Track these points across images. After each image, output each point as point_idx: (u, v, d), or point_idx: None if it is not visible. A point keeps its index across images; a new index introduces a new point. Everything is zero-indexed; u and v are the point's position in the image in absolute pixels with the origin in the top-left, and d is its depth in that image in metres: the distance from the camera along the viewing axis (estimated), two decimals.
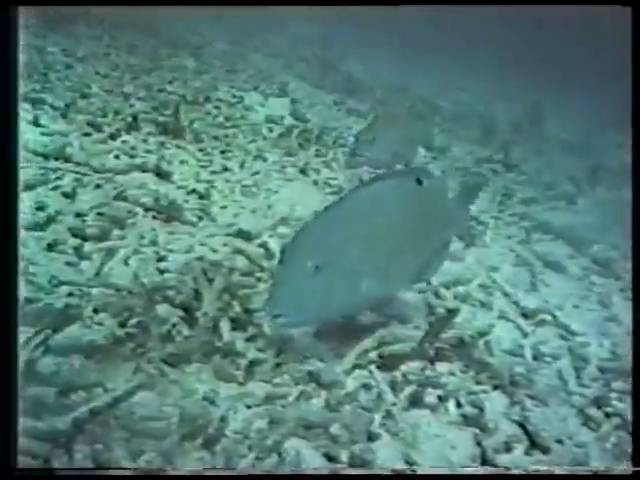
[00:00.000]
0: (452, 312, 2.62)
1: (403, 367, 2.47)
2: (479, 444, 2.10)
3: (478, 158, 6.43)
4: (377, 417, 2.15)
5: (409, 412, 2.22)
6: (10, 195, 1.81)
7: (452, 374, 2.49)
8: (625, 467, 1.95)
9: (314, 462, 1.90)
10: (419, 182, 2.75)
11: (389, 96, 8.62)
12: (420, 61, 11.64)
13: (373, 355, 2.56)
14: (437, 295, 3.16)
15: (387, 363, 2.51)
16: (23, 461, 1.48)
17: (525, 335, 3.01)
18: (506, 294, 3.42)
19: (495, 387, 2.46)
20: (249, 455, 1.91)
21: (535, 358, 2.82)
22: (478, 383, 2.47)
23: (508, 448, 2.12)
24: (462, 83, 10.89)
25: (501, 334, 2.93)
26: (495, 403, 2.35)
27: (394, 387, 2.38)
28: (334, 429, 2.06)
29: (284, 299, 2.35)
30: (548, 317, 3.16)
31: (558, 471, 1.92)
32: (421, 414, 2.21)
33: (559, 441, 2.17)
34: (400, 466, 1.97)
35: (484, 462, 2.04)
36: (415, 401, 2.31)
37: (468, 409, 2.30)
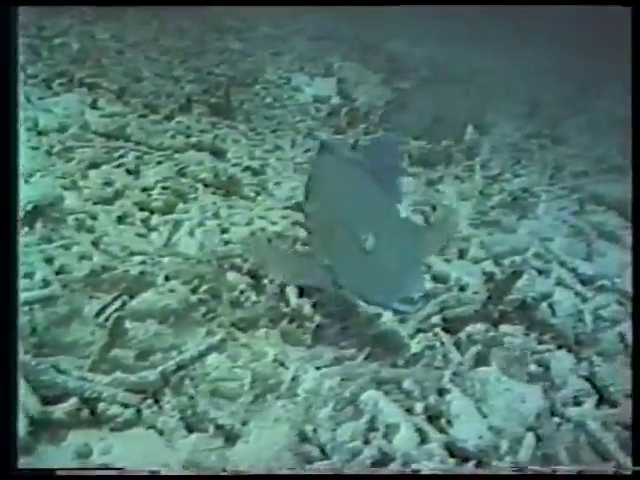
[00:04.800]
0: (515, 275, 2.65)
1: (467, 329, 2.52)
2: (548, 399, 2.15)
3: (526, 134, 6.38)
4: (447, 374, 2.20)
5: (477, 370, 2.27)
6: (10, 188, 1.85)
7: (515, 335, 2.52)
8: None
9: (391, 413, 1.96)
10: None
11: (434, 74, 8.58)
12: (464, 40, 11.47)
13: (436, 319, 2.62)
14: (496, 263, 3.21)
15: (451, 326, 2.57)
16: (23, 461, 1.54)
17: (584, 300, 3.03)
18: (562, 262, 3.43)
19: (559, 347, 2.50)
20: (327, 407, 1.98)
21: (596, 322, 2.83)
22: (541, 343, 2.51)
23: (577, 402, 2.17)
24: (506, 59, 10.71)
25: (561, 299, 2.95)
26: (561, 361, 2.39)
27: (459, 348, 2.44)
28: (406, 384, 2.12)
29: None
30: (607, 283, 3.17)
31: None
32: (489, 370, 2.25)
33: (628, 396, 2.19)
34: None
35: (554, 415, 2.09)
36: (481, 360, 2.36)
37: (533, 367, 2.34)
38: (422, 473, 1.61)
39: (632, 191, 2.55)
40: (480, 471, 1.75)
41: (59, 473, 1.55)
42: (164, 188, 3.29)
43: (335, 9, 11.07)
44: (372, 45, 9.27)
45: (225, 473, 1.62)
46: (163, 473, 1.62)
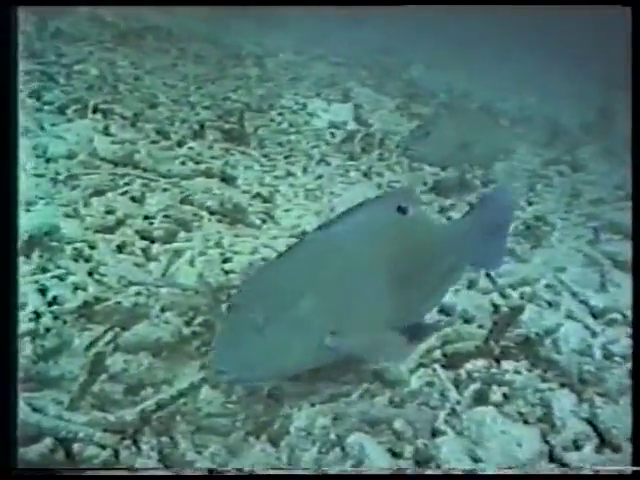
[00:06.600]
0: (516, 309, 2.57)
1: (468, 365, 2.44)
2: (547, 442, 2.06)
3: (545, 160, 6.30)
4: (441, 414, 2.13)
5: (474, 409, 2.18)
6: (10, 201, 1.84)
7: (518, 372, 2.44)
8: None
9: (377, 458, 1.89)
10: (402, 211, 2.43)
11: (452, 100, 8.53)
12: (483, 66, 11.44)
13: (437, 354, 2.54)
14: (503, 295, 3.13)
15: (451, 361, 2.49)
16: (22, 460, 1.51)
17: (594, 334, 2.93)
18: (574, 294, 3.34)
19: (562, 385, 2.40)
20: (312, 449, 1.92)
21: (605, 358, 2.74)
22: (545, 381, 2.42)
23: (577, 446, 2.08)
24: (526, 86, 10.64)
25: (569, 333, 2.85)
26: (563, 401, 2.29)
27: (458, 385, 2.36)
28: (398, 425, 2.05)
29: (229, 354, 2.07)
30: (618, 316, 3.06)
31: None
32: (486, 410, 2.16)
33: (631, 439, 2.10)
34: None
35: (552, 460, 2.00)
36: (480, 399, 2.28)
37: (535, 407, 2.25)
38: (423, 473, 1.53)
39: (632, 196, 2.46)
40: None
41: (59, 473, 1.52)
42: (166, 216, 3.25)
43: (357, 34, 11.16)
44: (390, 71, 9.26)
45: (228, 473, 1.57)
46: (169, 473, 1.58)
